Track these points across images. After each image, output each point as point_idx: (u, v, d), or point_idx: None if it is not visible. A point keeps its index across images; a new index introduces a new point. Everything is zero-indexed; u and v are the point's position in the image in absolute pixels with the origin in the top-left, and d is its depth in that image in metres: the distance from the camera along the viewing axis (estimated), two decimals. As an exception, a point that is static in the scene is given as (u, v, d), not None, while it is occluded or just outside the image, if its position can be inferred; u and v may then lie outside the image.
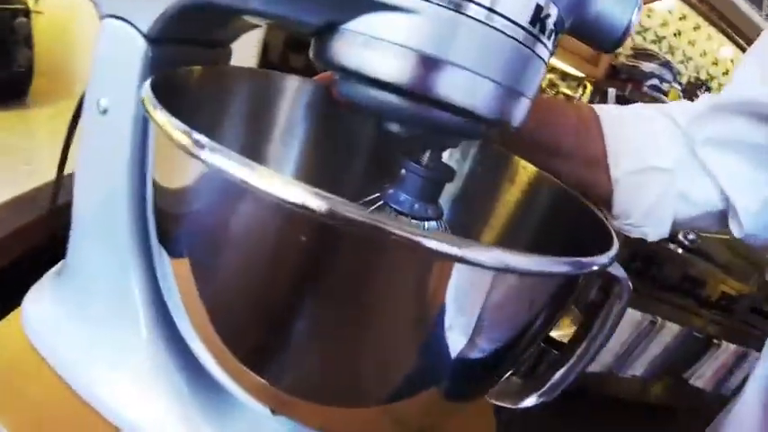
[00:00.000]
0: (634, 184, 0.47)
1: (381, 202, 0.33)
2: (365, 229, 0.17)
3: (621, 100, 1.87)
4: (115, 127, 0.31)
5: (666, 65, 1.92)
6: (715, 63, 2.20)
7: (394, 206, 0.31)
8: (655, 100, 1.85)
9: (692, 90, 2.04)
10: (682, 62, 2.14)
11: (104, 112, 0.30)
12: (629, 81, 1.90)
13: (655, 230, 0.49)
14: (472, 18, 0.22)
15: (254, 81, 0.38)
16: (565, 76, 2.25)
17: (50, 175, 0.43)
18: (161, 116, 0.21)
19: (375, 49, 0.23)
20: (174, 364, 0.35)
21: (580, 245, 0.35)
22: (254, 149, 0.39)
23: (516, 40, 0.24)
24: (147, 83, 0.23)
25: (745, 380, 1.69)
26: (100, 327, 0.36)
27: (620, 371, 2.10)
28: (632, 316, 1.92)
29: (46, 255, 0.42)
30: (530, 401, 0.34)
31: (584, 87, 2.14)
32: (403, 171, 0.31)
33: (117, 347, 0.35)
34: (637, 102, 1.64)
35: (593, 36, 0.29)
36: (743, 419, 0.50)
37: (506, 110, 0.25)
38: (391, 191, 0.32)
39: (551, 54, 0.27)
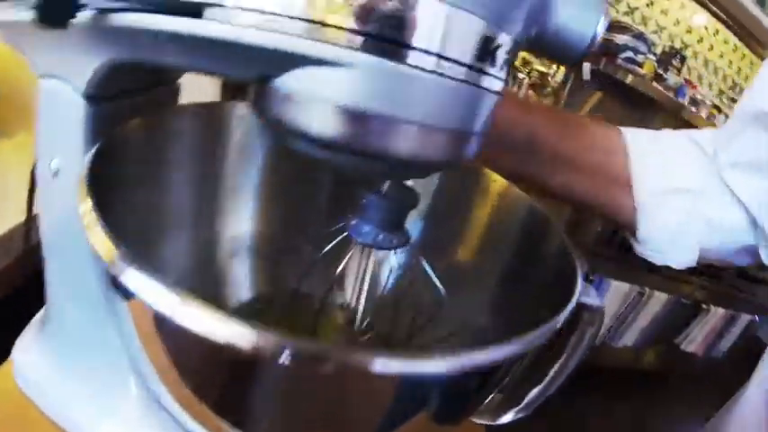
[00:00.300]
0: (658, 205, 0.45)
1: (345, 234, 0.33)
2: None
3: (596, 74, 1.86)
4: (68, 189, 0.29)
5: (640, 36, 1.91)
6: (689, 31, 2.19)
7: (358, 239, 0.31)
8: (630, 72, 1.85)
9: (667, 60, 2.03)
10: (655, 32, 2.13)
11: (56, 173, 0.29)
12: (604, 55, 1.89)
13: (680, 257, 0.47)
14: (413, 66, 0.21)
15: (203, 116, 0.37)
16: (540, 52, 2.24)
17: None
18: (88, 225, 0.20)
19: (308, 105, 0.22)
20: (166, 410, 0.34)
21: (551, 265, 0.35)
22: (209, 187, 0.38)
23: (463, 81, 0.22)
24: (84, 178, 0.22)
25: (735, 343, 1.73)
26: (87, 376, 0.36)
27: (612, 342, 2.13)
28: (620, 288, 1.94)
29: (34, 292, 0.42)
30: (507, 418, 0.34)
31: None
32: (364, 201, 0.31)
33: (106, 397, 0.36)
34: (611, 75, 1.62)
35: (554, 52, 0.27)
36: (746, 419, 0.49)
37: (457, 152, 0.24)
38: (354, 222, 0.32)
39: (506, 82, 0.26)
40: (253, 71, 0.23)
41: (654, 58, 1.98)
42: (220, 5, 0.21)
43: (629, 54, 1.91)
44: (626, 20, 2.05)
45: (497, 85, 0.25)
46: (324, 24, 0.20)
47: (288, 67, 0.22)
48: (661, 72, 1.99)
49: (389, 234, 0.31)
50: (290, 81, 0.22)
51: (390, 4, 0.20)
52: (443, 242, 0.43)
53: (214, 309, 0.17)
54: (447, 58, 0.21)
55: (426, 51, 0.21)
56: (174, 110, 0.35)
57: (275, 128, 0.24)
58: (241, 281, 0.41)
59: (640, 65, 1.92)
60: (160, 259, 0.34)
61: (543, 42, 0.26)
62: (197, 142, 0.37)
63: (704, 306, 2.13)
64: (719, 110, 2.08)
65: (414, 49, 0.21)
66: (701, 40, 2.24)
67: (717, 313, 2.15)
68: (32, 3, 0.22)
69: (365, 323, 0.43)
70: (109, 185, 0.22)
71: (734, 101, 2.35)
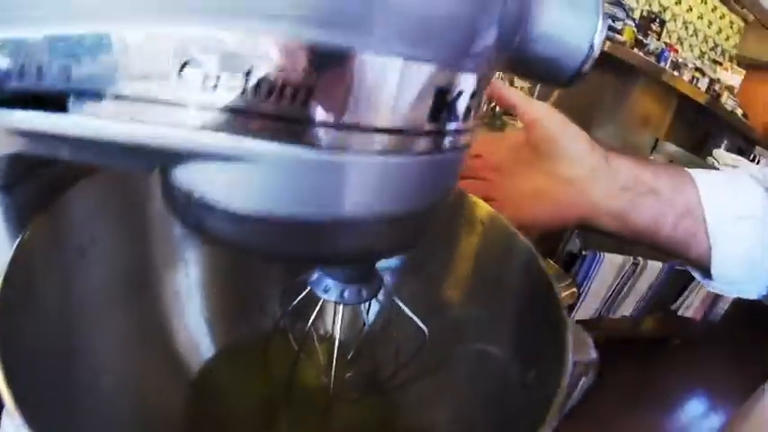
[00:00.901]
0: (729, 233, 0.44)
1: (308, 290, 0.29)
2: None
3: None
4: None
5: (618, 3, 1.87)
6: (666, -6, 2.16)
7: (322, 296, 0.28)
8: (609, 40, 1.81)
9: (646, 25, 1.99)
10: (632, -3, 2.09)
11: None
12: (582, 25, 1.85)
13: (751, 285, 0.46)
14: (341, 149, 0.15)
15: (125, 176, 0.33)
16: (517, 26, 2.19)
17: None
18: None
19: (212, 209, 0.17)
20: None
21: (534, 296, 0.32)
22: (143, 247, 0.35)
23: (422, 153, 0.17)
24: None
25: (731, 306, 1.74)
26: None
27: (610, 313, 2.12)
28: (614, 260, 1.93)
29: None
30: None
31: (539, 36, 2.09)
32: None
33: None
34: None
35: (541, 72, 0.21)
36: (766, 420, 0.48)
37: (416, 236, 0.20)
38: (315, 276, 0.28)
39: (473, 132, 0.19)
40: (141, 166, 0.18)
41: (633, 24, 1.94)
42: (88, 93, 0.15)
43: (608, 22, 1.87)
44: (602, -14, 2.01)
45: (462, 140, 0.19)
46: (209, 109, 0.15)
47: (177, 161, 0.17)
48: (641, 38, 1.95)
49: (357, 286, 0.28)
50: (185, 177, 0.17)
51: (308, 70, 0.14)
52: (423, 268, 0.40)
53: None
54: (387, 131, 0.16)
55: (363, 128, 0.15)
56: (90, 180, 0.29)
57: (185, 226, 0.19)
58: (198, 339, 0.38)
59: (620, 32, 1.88)
60: (99, 348, 0.30)
61: (524, 62, 0.20)
62: (122, 207, 0.32)
63: (699, 271, 2.12)
64: (702, 72, 2.05)
65: (344, 128, 0.15)
66: (678, 2, 2.20)
67: (712, 277, 2.14)
68: None
69: (347, 360, 0.41)
70: (24, 297, 0.19)
71: (716, 62, 2.32)
